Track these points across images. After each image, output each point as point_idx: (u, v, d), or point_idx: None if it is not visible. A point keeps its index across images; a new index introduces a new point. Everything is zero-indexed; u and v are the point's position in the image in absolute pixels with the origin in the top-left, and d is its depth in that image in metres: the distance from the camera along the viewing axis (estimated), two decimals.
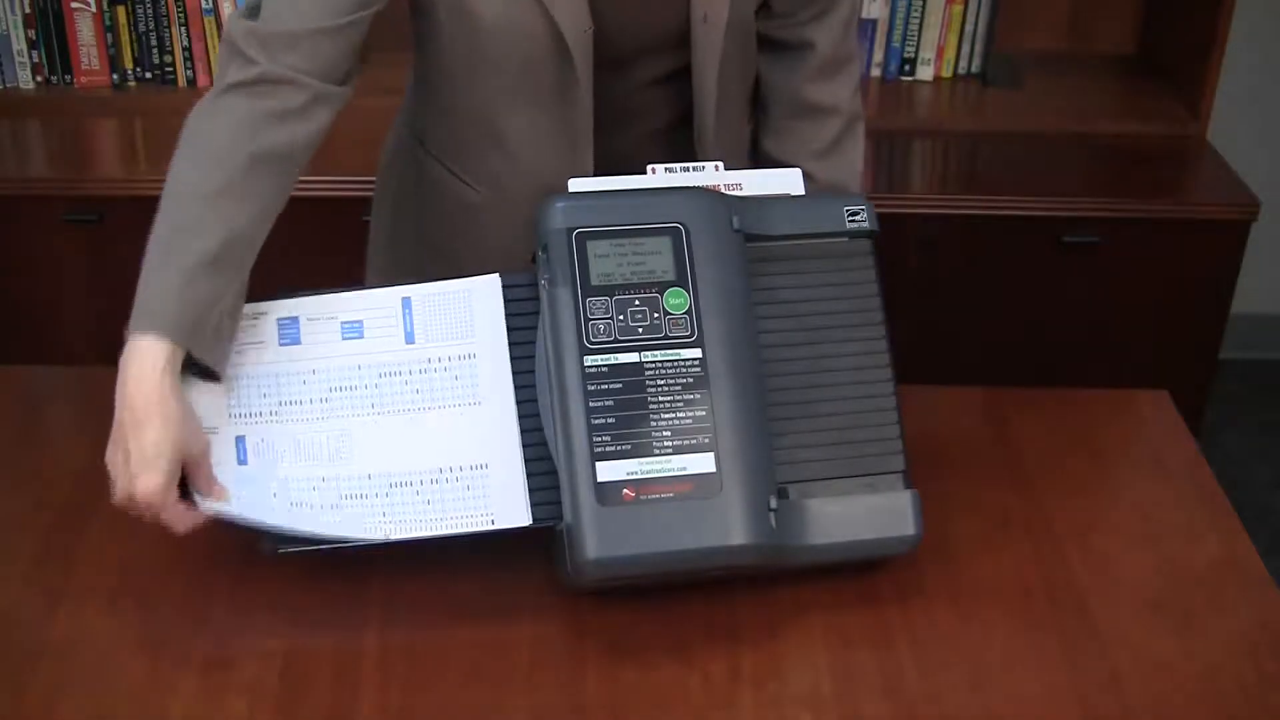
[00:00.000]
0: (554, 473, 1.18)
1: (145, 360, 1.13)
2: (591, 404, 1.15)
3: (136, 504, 1.13)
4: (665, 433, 1.16)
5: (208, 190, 1.18)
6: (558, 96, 1.36)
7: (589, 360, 1.17)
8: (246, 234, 1.20)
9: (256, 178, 1.20)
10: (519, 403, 1.22)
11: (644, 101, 1.43)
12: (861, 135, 1.51)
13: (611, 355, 1.17)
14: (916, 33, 2.58)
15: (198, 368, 1.18)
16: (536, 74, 1.35)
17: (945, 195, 2.31)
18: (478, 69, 1.37)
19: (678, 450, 1.16)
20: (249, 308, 1.22)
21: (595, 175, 1.41)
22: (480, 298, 1.24)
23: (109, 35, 2.49)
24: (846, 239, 1.28)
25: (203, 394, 1.19)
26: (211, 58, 2.50)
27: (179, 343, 1.14)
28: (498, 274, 1.25)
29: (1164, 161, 2.43)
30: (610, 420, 1.15)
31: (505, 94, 1.38)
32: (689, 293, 1.19)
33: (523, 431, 1.21)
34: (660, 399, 1.17)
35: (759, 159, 1.51)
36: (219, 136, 1.21)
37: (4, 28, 2.47)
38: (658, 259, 1.20)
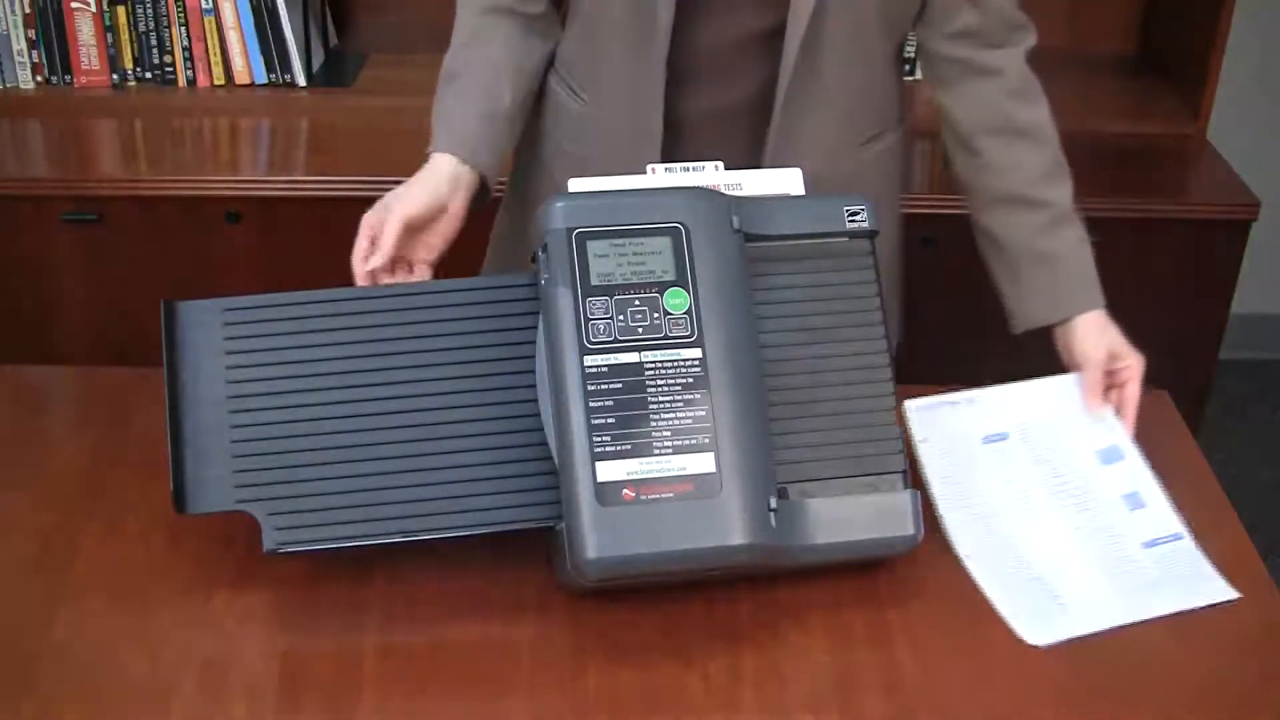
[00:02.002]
0: (554, 473, 1.18)
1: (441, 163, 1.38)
2: (591, 404, 1.15)
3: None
4: (665, 433, 1.16)
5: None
6: (641, 10, 1.40)
7: (589, 360, 1.17)
8: None
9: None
10: (519, 403, 1.22)
11: (732, 55, 1.44)
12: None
13: (611, 355, 1.17)
14: None
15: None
16: None
17: (945, 195, 2.30)
18: None
19: (678, 450, 1.16)
20: None
21: (672, 130, 1.46)
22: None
23: (109, 35, 2.48)
24: (846, 239, 1.28)
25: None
26: (212, 58, 2.50)
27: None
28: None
29: (1164, 161, 2.43)
30: (610, 420, 1.15)
31: (605, 5, 1.44)
32: (689, 293, 1.19)
33: (522, 431, 1.21)
34: (660, 399, 1.17)
35: (977, 197, 1.51)
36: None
37: (4, 28, 2.46)
38: (658, 259, 1.20)
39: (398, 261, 1.36)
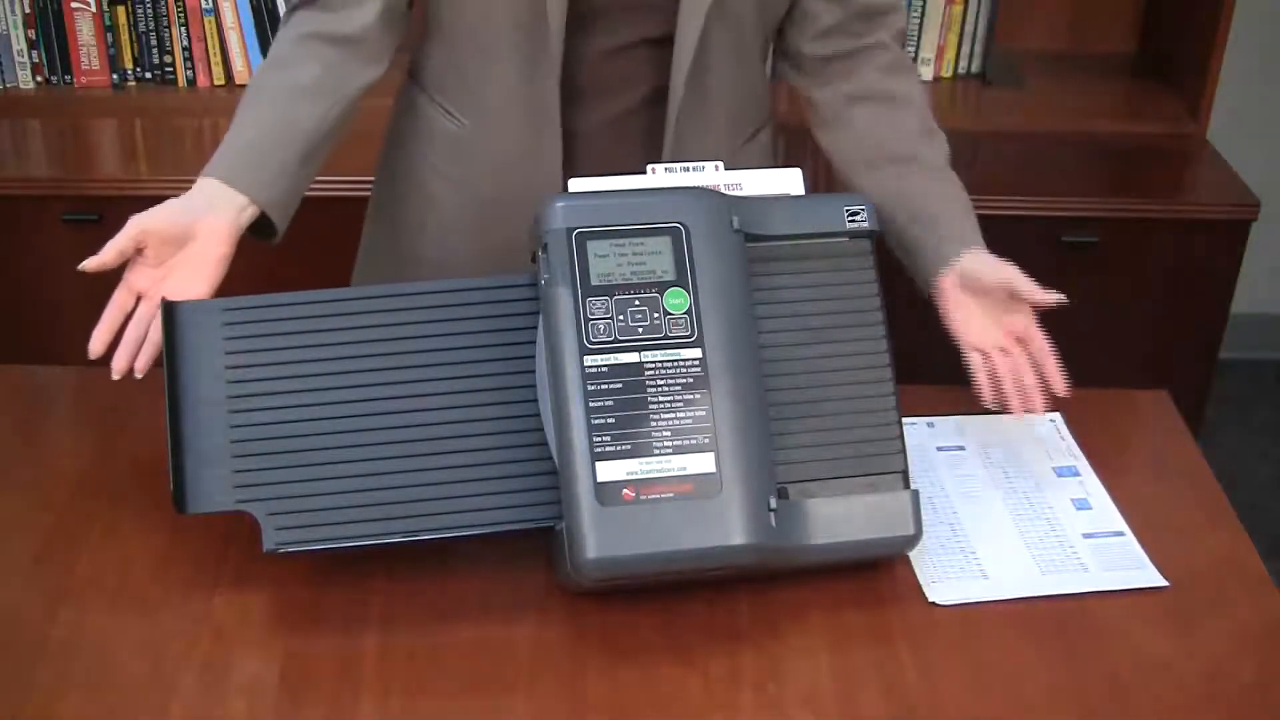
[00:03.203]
0: (554, 473, 1.18)
1: (211, 189, 1.30)
2: (591, 404, 1.15)
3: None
4: (665, 433, 1.16)
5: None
6: (529, 31, 1.38)
7: (589, 360, 1.17)
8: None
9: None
10: (519, 403, 1.22)
11: (620, 67, 1.43)
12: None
13: (611, 355, 1.17)
14: (916, 33, 2.58)
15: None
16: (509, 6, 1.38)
17: None
18: None
19: (678, 450, 1.16)
20: None
21: (564, 144, 1.45)
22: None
23: (109, 35, 2.49)
24: (846, 239, 1.28)
25: None
26: (212, 58, 2.50)
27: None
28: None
29: (1164, 161, 2.43)
30: (610, 420, 1.15)
31: (483, 20, 1.41)
32: (689, 293, 1.19)
33: (522, 431, 1.21)
34: (660, 399, 1.17)
35: (851, 169, 1.47)
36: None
37: (4, 28, 2.47)
38: (658, 259, 1.20)
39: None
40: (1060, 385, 1.30)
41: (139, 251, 1.27)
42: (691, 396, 1.17)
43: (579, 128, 1.46)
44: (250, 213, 1.31)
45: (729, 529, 1.14)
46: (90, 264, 1.25)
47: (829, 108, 1.48)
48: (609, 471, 1.14)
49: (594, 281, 1.19)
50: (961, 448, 1.42)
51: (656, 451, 1.15)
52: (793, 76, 1.51)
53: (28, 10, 2.46)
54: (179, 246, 1.27)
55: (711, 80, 1.43)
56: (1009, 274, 1.32)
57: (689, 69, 1.39)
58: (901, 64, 1.47)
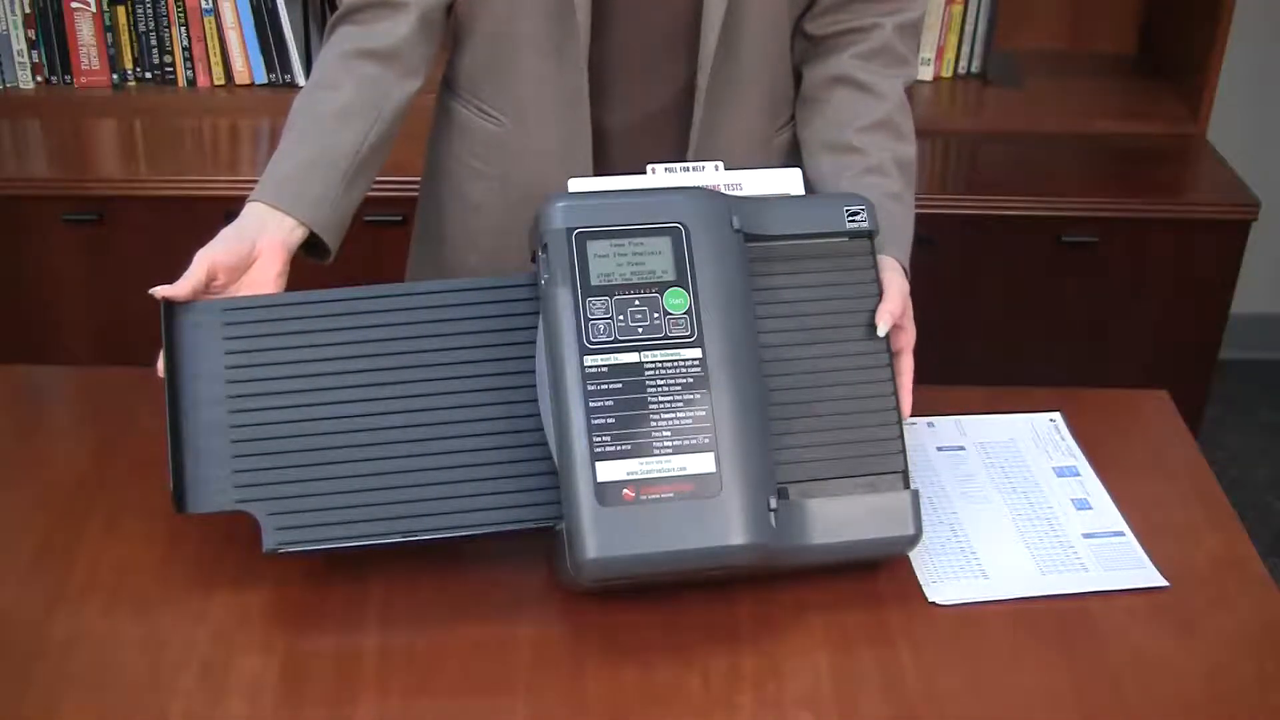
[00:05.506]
0: (554, 473, 1.18)
1: (262, 212, 1.32)
2: (591, 404, 1.15)
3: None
4: (665, 433, 1.16)
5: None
6: (556, 18, 1.39)
7: (589, 360, 1.17)
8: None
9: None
10: (519, 403, 1.22)
11: (649, 59, 1.43)
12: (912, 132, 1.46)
13: (611, 355, 1.17)
14: None
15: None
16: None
17: (945, 195, 2.31)
18: None
19: (678, 450, 1.15)
20: None
21: (598, 144, 1.45)
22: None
23: (109, 35, 2.49)
24: (846, 239, 1.28)
25: None
26: (212, 58, 2.50)
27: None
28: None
29: (1164, 161, 2.43)
30: (610, 420, 1.15)
31: (511, 12, 1.42)
32: (689, 293, 1.19)
33: (522, 431, 1.21)
34: (660, 399, 1.17)
35: (806, 147, 1.48)
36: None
37: (4, 28, 2.46)
38: (658, 259, 1.20)
39: None
40: (904, 410, 1.27)
41: (207, 284, 1.27)
42: (691, 396, 1.17)
43: (611, 125, 1.47)
44: (300, 233, 1.33)
45: (729, 529, 1.14)
46: (162, 291, 1.24)
47: (811, 86, 1.47)
48: (609, 471, 1.14)
49: (594, 281, 1.19)
50: (961, 448, 1.42)
51: (656, 451, 1.15)
52: (790, 55, 1.50)
53: (28, 10, 2.46)
54: (244, 270, 1.30)
55: (742, 65, 1.43)
56: (890, 305, 1.28)
57: (715, 48, 1.39)
58: (890, 55, 1.44)
